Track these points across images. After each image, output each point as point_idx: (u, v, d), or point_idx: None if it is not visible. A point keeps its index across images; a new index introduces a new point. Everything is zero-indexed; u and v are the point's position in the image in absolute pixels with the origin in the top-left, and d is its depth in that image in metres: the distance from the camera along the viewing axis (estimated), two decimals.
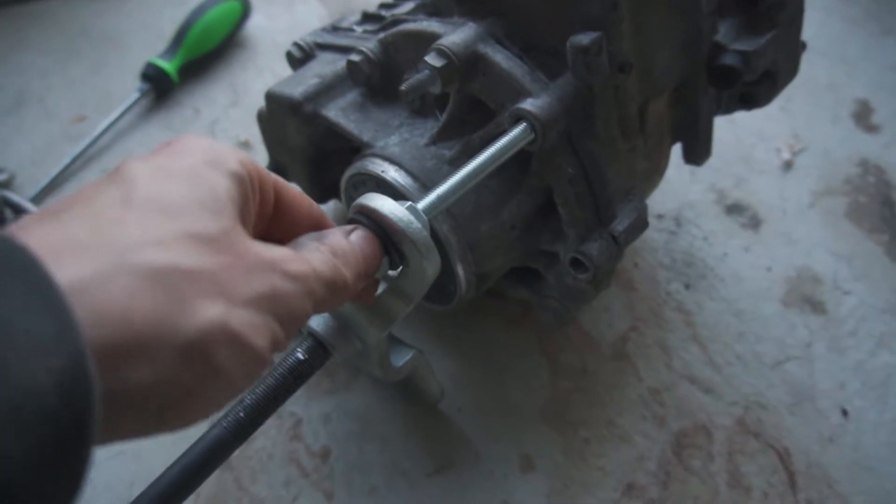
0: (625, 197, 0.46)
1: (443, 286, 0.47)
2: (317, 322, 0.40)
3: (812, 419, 0.54)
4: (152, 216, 0.21)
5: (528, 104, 0.39)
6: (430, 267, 0.33)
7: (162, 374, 0.19)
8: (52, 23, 0.82)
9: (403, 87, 0.40)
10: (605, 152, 0.43)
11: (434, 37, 0.43)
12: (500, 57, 0.41)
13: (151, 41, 0.79)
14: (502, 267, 0.49)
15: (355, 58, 0.48)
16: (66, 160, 0.67)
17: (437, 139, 0.45)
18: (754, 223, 0.68)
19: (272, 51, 0.80)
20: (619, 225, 0.45)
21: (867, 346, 0.58)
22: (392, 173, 0.44)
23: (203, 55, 0.75)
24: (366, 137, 0.47)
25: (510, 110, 0.40)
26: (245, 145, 0.71)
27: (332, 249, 0.29)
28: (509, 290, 0.55)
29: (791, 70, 0.51)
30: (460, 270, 0.45)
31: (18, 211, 0.60)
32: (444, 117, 0.45)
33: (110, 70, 0.78)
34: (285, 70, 0.81)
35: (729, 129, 0.70)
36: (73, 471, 0.18)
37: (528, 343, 0.58)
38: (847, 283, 0.62)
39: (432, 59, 0.40)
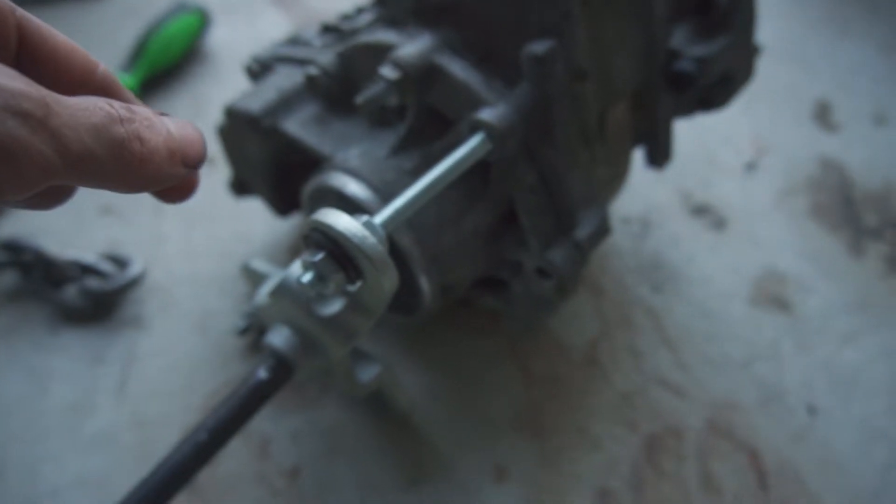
0: (586, 204, 0.46)
1: (407, 298, 0.47)
2: (279, 339, 0.40)
3: (781, 418, 0.55)
4: None
5: (485, 114, 0.39)
6: (387, 282, 0.32)
7: None
8: None
9: (359, 100, 0.40)
10: (564, 160, 0.43)
11: (390, 48, 0.43)
12: (456, 67, 0.41)
13: (110, 56, 0.78)
14: (467, 277, 0.48)
15: (313, 71, 0.47)
16: None
17: (397, 150, 0.45)
18: (720, 224, 0.68)
19: (234, 63, 0.79)
20: (582, 232, 0.45)
21: (833, 344, 0.59)
22: (352, 187, 0.43)
23: (164, 69, 0.74)
24: (326, 151, 0.47)
25: (467, 120, 0.40)
26: (209, 161, 0.69)
27: (128, 108, 0.24)
28: (477, 298, 0.54)
29: (746, 72, 0.52)
30: (424, 282, 0.44)
31: None
32: (402, 129, 0.45)
33: None
34: (248, 83, 0.81)
35: (693, 131, 0.70)
36: None
37: (499, 352, 0.58)
38: (812, 282, 0.63)
39: (387, 72, 0.40)
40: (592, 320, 0.60)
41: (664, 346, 0.59)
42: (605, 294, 0.62)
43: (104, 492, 0.49)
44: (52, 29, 0.26)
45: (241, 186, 0.57)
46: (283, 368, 0.40)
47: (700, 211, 0.70)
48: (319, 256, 0.32)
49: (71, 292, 0.57)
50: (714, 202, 0.70)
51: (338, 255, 0.32)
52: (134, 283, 0.57)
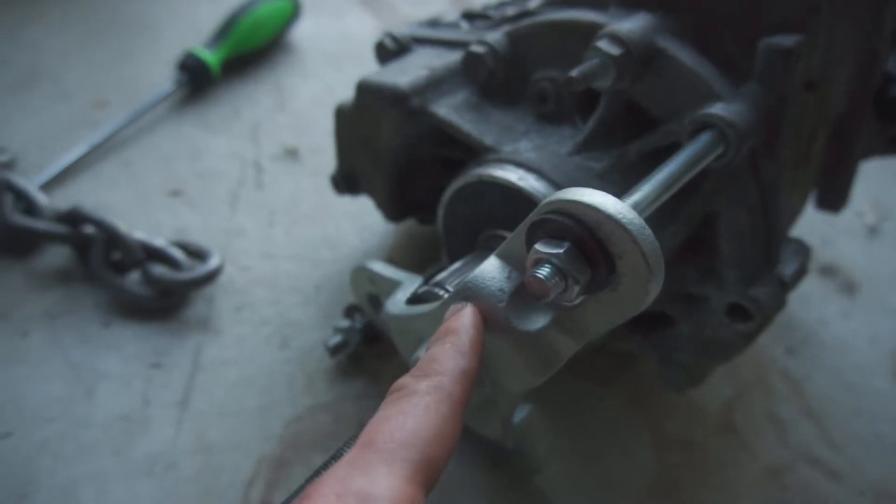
0: (785, 236, 0.39)
1: None
2: None
3: None
4: None
5: (721, 109, 0.32)
6: (654, 287, 0.24)
7: None
8: (73, 1, 0.73)
9: (574, 73, 0.33)
10: (784, 178, 0.36)
11: (592, 27, 0.36)
12: (684, 54, 0.34)
13: (184, 32, 0.71)
14: None
15: (478, 49, 0.41)
16: (84, 148, 0.57)
17: (581, 148, 0.37)
18: (850, 288, 0.62)
19: (320, 58, 0.73)
20: (787, 268, 0.38)
21: None
22: (532, 181, 0.36)
23: (248, 52, 0.67)
24: (488, 141, 0.39)
25: (695, 115, 0.33)
26: (292, 154, 0.62)
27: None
28: (618, 340, 0.46)
29: None
30: None
31: (21, 197, 0.49)
32: (591, 123, 0.38)
33: (138, 57, 0.69)
34: (336, 80, 0.74)
35: None
36: None
37: (622, 406, 0.50)
38: None
39: (606, 46, 0.33)
40: (725, 380, 0.53)
41: (807, 418, 0.51)
42: None
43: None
44: None
45: (348, 182, 0.49)
46: None
47: (827, 272, 0.63)
48: (563, 248, 0.25)
49: (133, 280, 0.48)
50: (839, 263, 0.64)
51: (589, 248, 0.24)
52: (210, 277, 0.48)
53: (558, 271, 0.25)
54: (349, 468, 0.22)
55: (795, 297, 0.60)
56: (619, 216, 0.24)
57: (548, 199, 0.26)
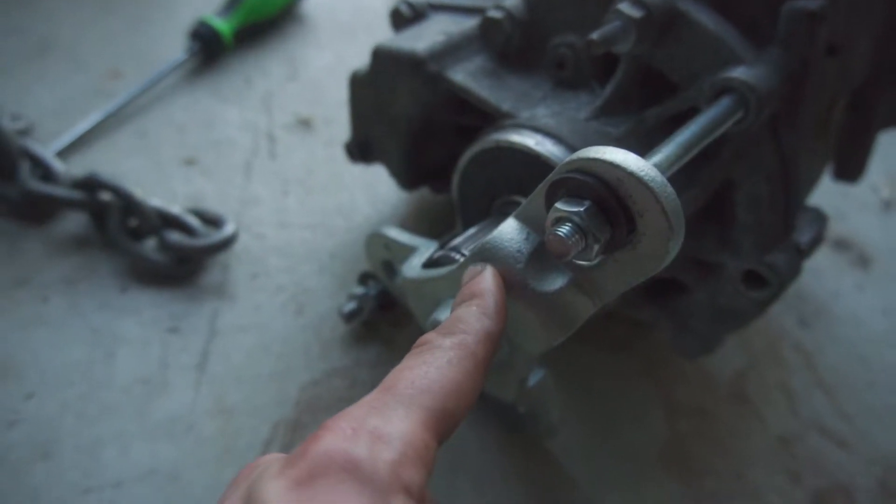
0: (803, 205, 0.39)
1: None
2: None
3: None
4: None
5: (742, 72, 0.32)
6: (674, 246, 0.24)
7: None
8: None
9: (595, 36, 0.32)
10: (804, 146, 0.36)
11: None
12: (705, 17, 0.34)
13: (197, 1, 0.71)
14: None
15: (495, 14, 0.40)
16: (98, 116, 0.57)
17: (599, 114, 0.37)
18: (864, 262, 0.62)
19: (334, 29, 0.72)
20: (803, 236, 0.38)
21: None
22: (549, 146, 0.36)
23: (261, 21, 0.67)
24: (505, 107, 0.39)
25: (715, 79, 0.33)
26: (305, 123, 0.62)
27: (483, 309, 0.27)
28: (631, 308, 0.46)
29: None
30: None
31: (38, 164, 0.50)
32: (609, 88, 0.37)
33: (151, 27, 0.68)
34: (349, 50, 0.74)
35: None
36: None
37: (636, 373, 0.50)
38: None
39: (628, 9, 0.33)
40: (737, 350, 0.53)
41: (819, 389, 0.52)
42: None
43: (176, 488, 0.40)
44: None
45: (362, 150, 0.49)
46: None
47: (841, 245, 0.63)
48: (584, 206, 0.25)
49: (149, 246, 0.48)
50: (853, 237, 0.64)
51: (610, 206, 0.24)
52: (225, 244, 0.48)
53: (579, 229, 0.25)
54: (367, 408, 0.22)
55: (809, 270, 0.60)
56: (642, 173, 0.24)
57: (569, 158, 0.26)
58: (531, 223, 0.29)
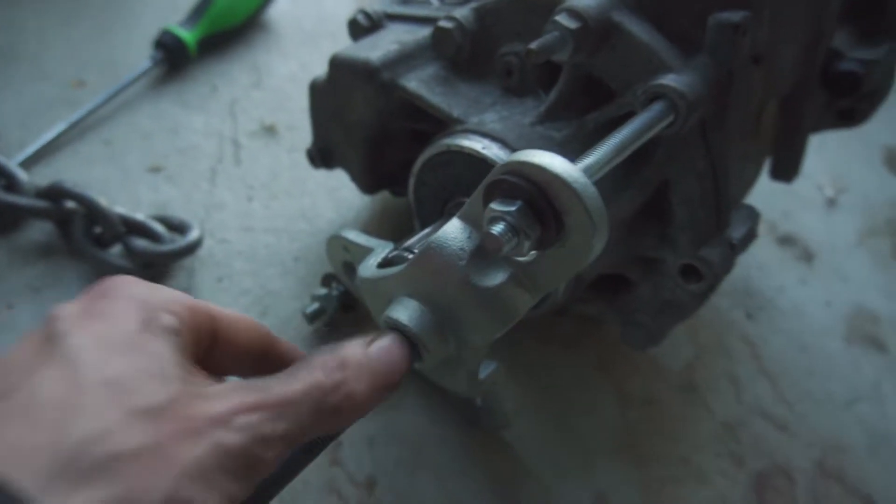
0: (736, 203, 0.42)
1: None
2: (406, 314, 0.33)
3: (893, 464, 0.50)
4: (101, 399, 0.22)
5: (671, 80, 0.35)
6: (598, 243, 0.27)
7: None
8: None
9: (534, 45, 0.34)
10: (733, 148, 0.38)
11: (554, 2, 0.38)
12: (638, 28, 0.36)
13: (162, 11, 0.72)
14: (597, 272, 0.43)
15: (446, 24, 0.42)
16: (63, 125, 0.57)
17: (543, 118, 0.39)
18: (807, 257, 0.65)
19: (298, 36, 0.74)
20: (736, 232, 0.40)
21: None
22: (496, 150, 0.38)
23: (225, 30, 0.68)
24: (456, 113, 0.41)
25: (647, 86, 0.35)
26: (270, 130, 0.63)
27: (341, 362, 0.27)
28: (581, 304, 0.49)
29: (888, 88, 0.49)
30: None
31: (2, 174, 0.50)
32: (552, 95, 0.40)
33: (115, 36, 0.69)
34: (313, 58, 0.75)
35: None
36: None
37: (588, 367, 0.52)
38: None
39: (564, 20, 0.35)
40: (686, 342, 0.55)
41: (763, 377, 0.55)
42: (699, 315, 0.57)
43: None
44: (221, 310, 0.29)
45: (323, 155, 0.51)
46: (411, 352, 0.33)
47: (786, 241, 0.66)
48: (516, 206, 0.27)
49: (115, 253, 0.49)
50: (798, 234, 0.67)
51: (540, 206, 0.27)
52: (190, 250, 0.49)
53: (511, 228, 0.27)
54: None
55: (755, 266, 0.63)
56: (565, 175, 0.26)
57: (504, 162, 0.28)
58: (472, 222, 0.31)
